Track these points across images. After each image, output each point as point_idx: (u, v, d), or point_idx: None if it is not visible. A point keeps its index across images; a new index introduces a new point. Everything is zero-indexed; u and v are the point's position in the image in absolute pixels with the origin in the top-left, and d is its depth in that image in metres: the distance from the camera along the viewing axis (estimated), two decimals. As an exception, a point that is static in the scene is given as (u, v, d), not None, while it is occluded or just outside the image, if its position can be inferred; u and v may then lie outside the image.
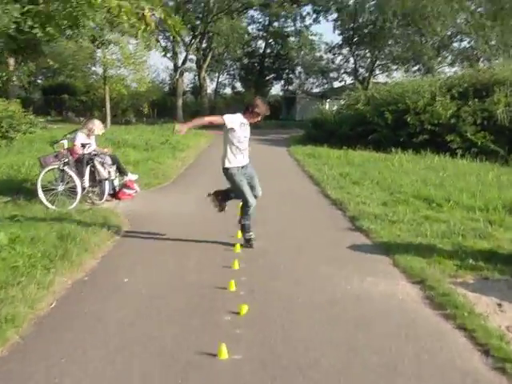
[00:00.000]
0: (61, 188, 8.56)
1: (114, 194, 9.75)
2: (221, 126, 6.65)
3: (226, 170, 6.62)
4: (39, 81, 55.40)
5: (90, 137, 9.76)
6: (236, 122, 6.51)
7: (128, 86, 30.59)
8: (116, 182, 10.00)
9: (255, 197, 6.80)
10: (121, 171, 10.22)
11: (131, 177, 10.36)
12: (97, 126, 9.89)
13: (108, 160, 9.35)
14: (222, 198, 7.09)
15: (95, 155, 9.14)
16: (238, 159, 6.60)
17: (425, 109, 20.89)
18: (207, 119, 6.81)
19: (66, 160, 8.71)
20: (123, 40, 27.20)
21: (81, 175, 8.84)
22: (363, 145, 21.45)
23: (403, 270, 5.94)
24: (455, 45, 52.16)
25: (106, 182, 9.30)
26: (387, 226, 7.90)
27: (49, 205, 8.26)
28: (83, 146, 9.14)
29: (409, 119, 20.93)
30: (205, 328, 4.25)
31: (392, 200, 9.86)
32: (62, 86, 46.79)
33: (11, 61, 39.32)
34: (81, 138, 9.52)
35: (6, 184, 10.18)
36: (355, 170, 14.08)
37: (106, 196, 9.31)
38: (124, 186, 9.91)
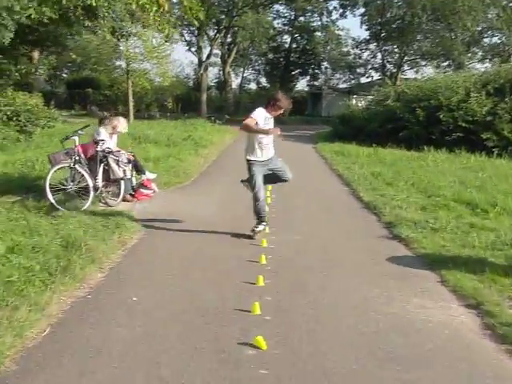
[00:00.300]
0: (72, 188, 7.91)
1: (133, 194, 9.11)
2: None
3: (247, 161, 6.94)
4: (64, 75, 55.37)
5: (112, 135, 9.15)
6: (260, 117, 6.71)
7: (151, 80, 29.94)
8: (134, 181, 9.36)
9: (286, 180, 7.31)
10: (138, 169, 9.58)
11: (149, 176, 9.69)
12: (121, 123, 9.27)
13: (124, 158, 8.68)
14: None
15: (109, 153, 8.46)
16: (260, 153, 6.86)
17: (459, 105, 19.93)
18: (248, 123, 6.66)
19: (77, 158, 8.05)
20: (146, 33, 26.65)
21: (94, 174, 8.18)
22: (393, 142, 20.58)
23: (453, 290, 5.15)
24: (486, 40, 50.82)
25: (122, 182, 8.64)
26: (429, 234, 7.10)
27: (58, 206, 7.61)
28: (96, 142, 8.48)
29: (442, 116, 20.00)
30: (222, 366, 3.53)
31: (431, 204, 9.02)
32: (87, 80, 46.49)
33: (35, 54, 39.14)
34: (104, 134, 8.90)
35: (18, 182, 9.58)
36: (387, 170, 13.25)
37: (121, 196, 8.64)
38: (141, 185, 9.25)
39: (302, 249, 6.48)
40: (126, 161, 8.70)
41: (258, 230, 6.90)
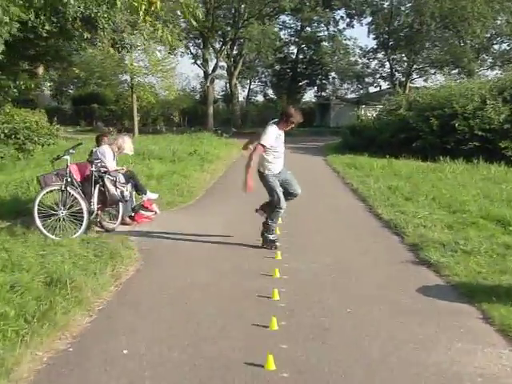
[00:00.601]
0: (63, 213, 7.19)
1: (133, 217, 8.41)
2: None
3: (261, 174, 6.96)
4: (70, 91, 55.09)
5: (118, 155, 8.51)
6: (272, 138, 6.81)
7: (156, 94, 29.39)
8: (134, 202, 8.67)
9: (295, 195, 7.22)
10: (138, 189, 8.89)
11: (150, 196, 9.01)
12: (127, 143, 8.60)
13: (121, 178, 7.98)
14: (268, 209, 7.20)
15: (105, 172, 7.77)
16: (273, 166, 6.92)
17: (474, 113, 19.18)
18: (254, 159, 6.83)
19: (69, 179, 7.35)
20: (150, 46, 26.15)
21: (88, 197, 7.48)
22: (407, 153, 19.84)
23: (501, 329, 4.38)
24: (495, 47, 50.06)
25: (121, 204, 7.95)
26: (461, 258, 6.32)
27: (47, 233, 6.89)
28: (91, 162, 7.79)
29: (457, 125, 19.26)
30: None
31: (457, 222, 8.25)
32: (92, 95, 46.15)
33: (40, 70, 38.62)
34: (109, 155, 8.25)
35: (9, 205, 8.91)
36: (404, 183, 12.49)
37: (119, 219, 7.94)
38: (141, 207, 8.55)
39: (319, 280, 5.73)
40: (123, 181, 8.00)
41: (276, 238, 7.13)
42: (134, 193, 8.79)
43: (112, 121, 42.31)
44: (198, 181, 13.00)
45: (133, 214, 8.40)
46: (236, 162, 19.26)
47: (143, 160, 16.01)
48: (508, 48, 50.10)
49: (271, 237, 7.05)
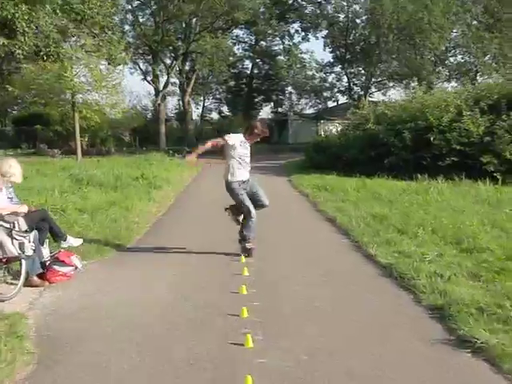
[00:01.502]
0: None
1: (44, 275, 6.08)
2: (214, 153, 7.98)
3: (228, 184, 7.08)
4: (15, 112, 52.04)
5: (2, 185, 6.12)
6: (236, 140, 7.09)
7: (102, 112, 26.87)
8: (46, 253, 6.35)
9: (263, 206, 7.33)
10: (55, 234, 6.59)
11: (72, 242, 6.72)
12: (14, 168, 6.21)
13: (21, 223, 5.67)
14: (237, 211, 7.39)
15: (-4, 218, 5.45)
16: (239, 174, 7.06)
17: (450, 126, 17.51)
18: (210, 143, 7.20)
19: None
20: (91, 59, 23.77)
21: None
22: (378, 170, 18.02)
23: None
24: (451, 60, 49.43)
25: (23, 261, 5.64)
26: (517, 334, 4.26)
27: None
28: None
29: (432, 138, 17.52)
30: None
31: (481, 267, 6.20)
32: (35, 116, 43.09)
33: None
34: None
35: None
36: (390, 209, 10.50)
37: (21, 282, 5.62)
38: (55, 260, 6.22)
39: (314, 369, 3.56)
40: (24, 227, 5.69)
41: (253, 246, 7.22)
42: (48, 240, 6.50)
43: (57, 142, 39.47)
44: (142, 213, 10.68)
45: (43, 271, 6.07)
46: (189, 186, 17.02)
47: (79, 189, 13.60)
48: (463, 60, 49.63)
49: (248, 245, 7.19)
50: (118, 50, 22.70)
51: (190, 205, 12.67)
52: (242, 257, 7.08)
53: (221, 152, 7.37)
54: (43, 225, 6.45)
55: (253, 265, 6.72)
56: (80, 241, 6.97)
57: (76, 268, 6.26)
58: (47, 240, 6.50)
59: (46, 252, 6.37)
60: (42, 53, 12.80)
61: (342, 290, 5.82)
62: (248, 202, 7.02)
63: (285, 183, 17.89)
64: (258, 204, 7.21)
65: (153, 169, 18.62)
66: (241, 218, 7.37)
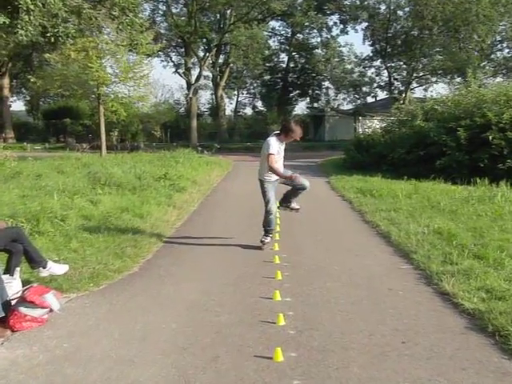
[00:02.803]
0: None
1: (6, 320, 4.47)
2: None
3: (261, 182, 7.62)
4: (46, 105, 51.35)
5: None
6: (275, 148, 7.32)
7: (129, 105, 25.41)
8: (16, 287, 4.78)
9: (304, 187, 7.69)
10: (30, 259, 5.02)
11: (55, 269, 5.15)
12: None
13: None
14: (286, 201, 8.00)
15: None
16: (272, 175, 7.48)
17: (512, 123, 15.53)
18: (274, 165, 7.32)
19: None
20: (119, 49, 22.34)
21: None
22: (427, 172, 16.18)
23: None
24: (497, 54, 46.71)
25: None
26: None
27: None
28: None
29: (491, 138, 15.51)
30: None
31: None
32: (64, 108, 42.25)
33: (5, 82, 34.61)
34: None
35: None
36: (455, 223, 8.66)
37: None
38: (22, 300, 4.58)
39: None
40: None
41: (266, 241, 7.64)
42: (21, 268, 4.91)
43: (86, 136, 38.41)
44: (158, 223, 9.02)
45: (5, 315, 4.47)
46: (217, 187, 15.35)
47: (93, 189, 12.09)
48: (510, 55, 46.97)
49: (266, 240, 7.64)
50: (141, 36, 21.14)
51: (215, 211, 10.98)
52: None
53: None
54: (15, 247, 4.89)
55: (291, 307, 5.03)
56: (65, 268, 5.39)
57: (50, 311, 4.62)
58: (18, 269, 4.92)
59: (15, 285, 4.79)
60: (48, 34, 11.29)
61: (420, 359, 4.03)
62: (272, 199, 7.54)
63: (323, 185, 16.09)
64: (298, 188, 7.71)
65: (178, 167, 17.03)
66: (294, 203, 8.04)
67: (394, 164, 18.05)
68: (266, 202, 7.55)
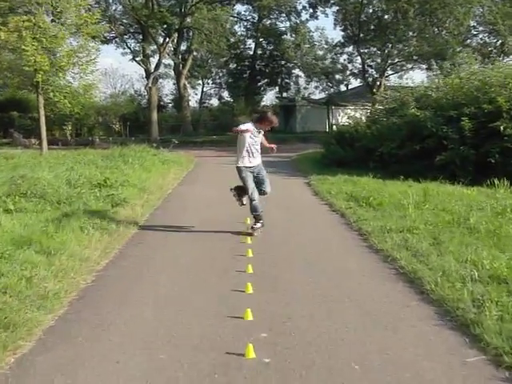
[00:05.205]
0: None
1: None
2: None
3: (237, 168, 7.80)
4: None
5: None
6: (250, 128, 7.60)
7: (75, 95, 22.06)
8: None
9: (264, 193, 7.96)
10: None
11: None
12: None
13: None
14: (241, 192, 8.10)
15: None
16: (248, 160, 7.72)
17: (526, 110, 12.97)
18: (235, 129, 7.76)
19: None
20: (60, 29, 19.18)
21: None
22: (424, 170, 13.64)
23: None
24: (469, 41, 44.40)
25: None
26: None
27: None
28: None
29: (502, 128, 12.92)
30: None
31: None
32: (12, 101, 38.49)
33: None
34: None
35: None
36: (508, 257, 5.91)
37: None
38: None
39: None
40: None
41: (256, 227, 7.81)
42: None
43: (35, 131, 34.82)
44: (70, 264, 5.95)
45: None
46: (172, 194, 12.34)
47: (3, 202, 9.06)
48: (483, 41, 44.84)
49: (256, 226, 7.80)
50: (85, 14, 18.10)
51: (164, 239, 7.97)
52: None
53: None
54: None
55: None
56: None
57: None
58: None
59: None
60: None
61: None
62: (251, 186, 7.72)
63: (303, 189, 13.25)
64: (260, 190, 7.86)
65: (127, 169, 13.96)
66: (245, 199, 8.10)
67: (383, 160, 15.33)
68: (247, 190, 7.75)
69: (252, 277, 5.74)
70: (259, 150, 7.83)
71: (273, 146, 7.97)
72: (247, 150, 7.63)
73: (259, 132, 7.73)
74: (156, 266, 6.34)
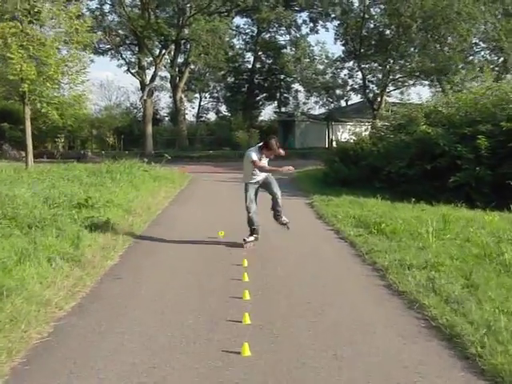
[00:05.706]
0: None
1: None
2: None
3: (245, 184, 8.15)
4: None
5: None
6: (256, 156, 7.81)
7: (64, 106, 20.92)
8: None
9: (276, 198, 8.23)
10: None
11: None
12: None
13: None
14: (278, 217, 8.44)
15: None
16: (254, 179, 8.05)
17: (550, 129, 11.95)
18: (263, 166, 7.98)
19: None
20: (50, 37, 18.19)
21: None
22: (435, 192, 12.63)
23: None
24: (471, 58, 43.56)
25: None
26: None
27: None
28: None
29: (523, 147, 11.92)
30: None
31: None
32: (3, 111, 37.30)
33: None
34: None
35: None
36: None
37: None
38: None
39: None
40: None
41: (248, 240, 7.99)
42: None
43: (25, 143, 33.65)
44: (27, 309, 4.85)
45: None
46: (162, 216, 11.19)
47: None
48: (490, 57, 44.18)
49: (248, 239, 7.99)
50: (76, 22, 17.15)
51: (148, 275, 6.81)
52: None
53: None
54: None
55: None
56: None
57: None
58: None
59: None
60: None
61: None
62: (251, 199, 8.03)
63: (306, 211, 12.13)
64: (271, 194, 8.24)
65: (111, 186, 12.82)
66: (284, 218, 8.51)
67: (390, 180, 14.26)
68: (244, 200, 8.04)
69: (249, 329, 4.62)
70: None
71: (290, 168, 7.88)
72: (253, 173, 7.97)
73: (263, 156, 7.88)
74: (134, 310, 5.20)
